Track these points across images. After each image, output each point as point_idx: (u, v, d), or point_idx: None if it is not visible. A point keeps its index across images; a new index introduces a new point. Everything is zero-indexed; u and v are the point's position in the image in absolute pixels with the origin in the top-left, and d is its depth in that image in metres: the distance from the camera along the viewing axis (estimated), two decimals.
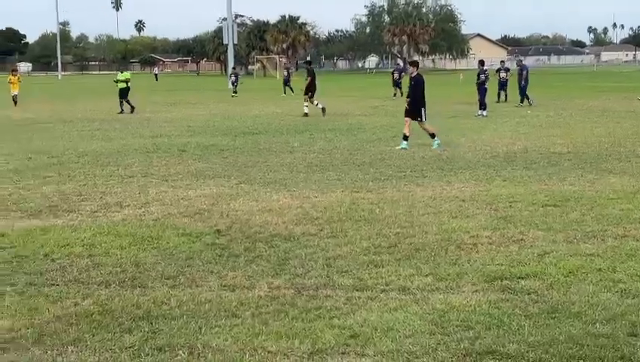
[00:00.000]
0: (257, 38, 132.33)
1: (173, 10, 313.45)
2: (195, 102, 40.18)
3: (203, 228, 9.62)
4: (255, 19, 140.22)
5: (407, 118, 18.15)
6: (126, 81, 32.31)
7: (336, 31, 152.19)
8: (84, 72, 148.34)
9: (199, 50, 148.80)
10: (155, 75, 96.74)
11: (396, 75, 42.90)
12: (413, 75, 18.42)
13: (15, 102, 36.81)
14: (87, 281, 7.40)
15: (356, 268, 7.70)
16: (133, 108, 31.65)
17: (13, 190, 12.60)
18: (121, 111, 31.46)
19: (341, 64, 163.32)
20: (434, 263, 7.87)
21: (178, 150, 17.99)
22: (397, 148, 17.69)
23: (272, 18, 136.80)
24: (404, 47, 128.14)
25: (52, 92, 59.09)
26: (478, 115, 27.52)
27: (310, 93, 28.95)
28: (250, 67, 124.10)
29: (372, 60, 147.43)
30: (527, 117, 27.00)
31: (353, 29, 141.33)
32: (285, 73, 51.10)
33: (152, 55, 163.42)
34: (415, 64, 19.23)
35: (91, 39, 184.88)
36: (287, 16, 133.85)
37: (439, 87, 47.31)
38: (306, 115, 28.15)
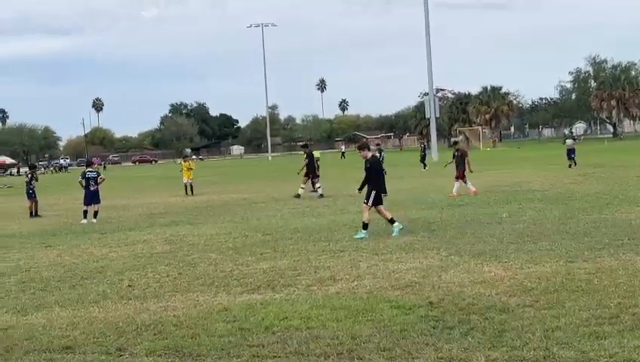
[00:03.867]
0: (459, 110, 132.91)
1: (376, 88, 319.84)
2: (398, 176, 40.49)
3: (415, 300, 9.67)
4: (456, 92, 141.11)
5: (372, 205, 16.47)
6: (316, 160, 32.45)
7: (540, 99, 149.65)
8: (292, 152, 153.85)
9: (401, 125, 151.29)
10: (342, 152, 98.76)
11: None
12: (367, 158, 16.65)
13: (186, 192, 35.03)
14: (307, 353, 7.62)
15: (577, 340, 7.45)
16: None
17: (234, 266, 13.26)
18: (315, 190, 31.29)
19: (547, 132, 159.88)
20: None
21: (385, 224, 18.17)
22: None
23: (474, 90, 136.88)
24: (613, 112, 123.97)
25: (263, 173, 61.82)
26: None
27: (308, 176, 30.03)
28: (452, 140, 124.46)
29: (579, 127, 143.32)
30: None
31: (557, 96, 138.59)
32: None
33: (356, 133, 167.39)
34: (365, 147, 17.04)
35: (298, 120, 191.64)
36: (488, 87, 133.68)
37: None
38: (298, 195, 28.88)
